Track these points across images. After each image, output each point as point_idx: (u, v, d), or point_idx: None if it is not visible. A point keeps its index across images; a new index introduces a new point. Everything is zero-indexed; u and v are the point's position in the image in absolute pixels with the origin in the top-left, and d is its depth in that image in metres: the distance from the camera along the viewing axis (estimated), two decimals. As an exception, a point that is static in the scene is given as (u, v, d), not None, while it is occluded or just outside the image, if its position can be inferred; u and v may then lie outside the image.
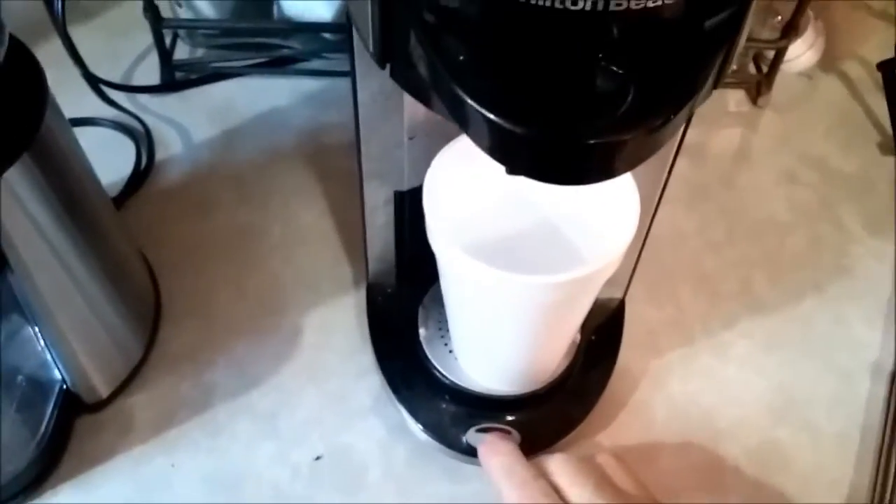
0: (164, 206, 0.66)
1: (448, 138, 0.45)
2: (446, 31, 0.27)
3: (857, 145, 0.72)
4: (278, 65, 0.75)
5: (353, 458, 0.54)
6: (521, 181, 0.44)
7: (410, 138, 0.46)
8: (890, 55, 0.72)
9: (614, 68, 0.26)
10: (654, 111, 0.26)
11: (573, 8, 0.24)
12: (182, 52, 0.76)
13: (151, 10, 0.68)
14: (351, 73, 0.43)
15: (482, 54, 0.27)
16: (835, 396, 0.58)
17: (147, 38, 0.73)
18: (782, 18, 0.69)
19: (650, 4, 0.24)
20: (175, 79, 0.73)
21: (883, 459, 0.54)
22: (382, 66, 0.32)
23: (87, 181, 0.50)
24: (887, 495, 0.53)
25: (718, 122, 0.74)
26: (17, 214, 0.43)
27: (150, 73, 0.74)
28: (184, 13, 0.73)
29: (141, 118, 0.70)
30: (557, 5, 0.24)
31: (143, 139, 0.69)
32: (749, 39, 0.72)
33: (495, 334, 0.48)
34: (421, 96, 0.32)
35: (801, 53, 0.74)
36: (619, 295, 0.58)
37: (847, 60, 0.78)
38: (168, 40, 0.73)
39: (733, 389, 0.58)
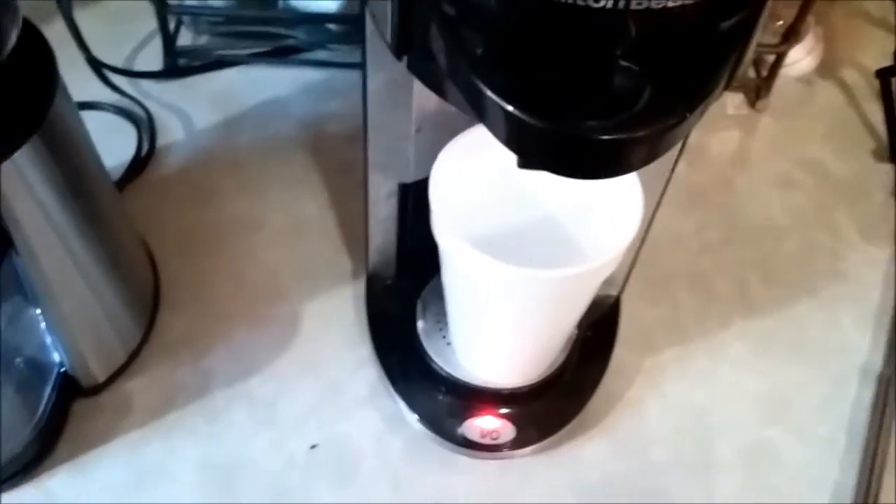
0: (165, 192, 0.66)
1: (454, 132, 0.46)
2: (466, 25, 0.28)
3: (853, 151, 0.73)
4: (281, 54, 0.75)
5: (348, 447, 0.54)
6: (527, 176, 0.44)
7: (417, 130, 0.46)
8: (888, 63, 0.73)
9: (632, 66, 0.26)
10: (669, 109, 0.26)
11: (595, 6, 0.24)
12: (185, 38, 0.76)
13: (157, -5, 0.68)
14: (362, 65, 0.43)
15: (502, 48, 0.27)
16: (824, 398, 0.59)
17: (150, 23, 0.73)
18: (784, 23, 0.70)
19: (670, 4, 0.25)
20: (178, 65, 0.74)
21: (869, 459, 0.55)
22: (399, 58, 0.33)
23: (93, 166, 0.50)
24: (872, 494, 0.53)
25: (717, 124, 0.74)
26: (25, 196, 0.43)
27: (153, 58, 0.74)
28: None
29: (143, 104, 0.70)
30: (580, 2, 0.24)
31: (145, 125, 0.69)
32: (750, 44, 0.73)
33: (494, 326, 0.49)
34: (437, 88, 0.32)
35: (801, 59, 0.74)
36: (615, 293, 0.59)
37: (845, 67, 0.79)
38: (172, 26, 0.73)
39: (726, 389, 0.59)
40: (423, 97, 0.44)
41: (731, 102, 0.76)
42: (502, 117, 0.27)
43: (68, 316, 0.50)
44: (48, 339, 0.51)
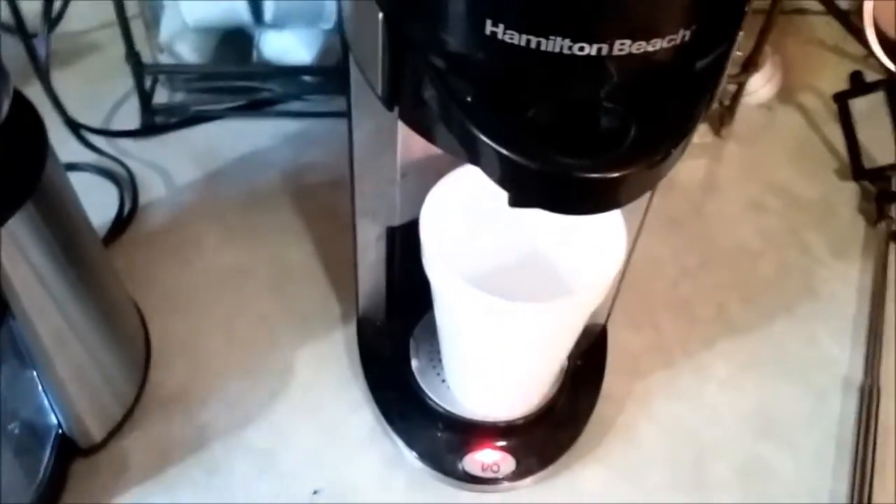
0: (150, 249, 0.67)
1: (438, 175, 0.47)
2: (457, 75, 0.29)
3: (818, 172, 0.76)
4: (258, 107, 0.77)
5: (351, 490, 0.55)
6: (514, 214, 0.46)
7: (403, 176, 0.47)
8: (843, 87, 0.77)
9: (617, 107, 0.28)
10: (654, 147, 0.28)
11: (580, 54, 0.26)
12: (161, 96, 0.77)
13: (133, 56, 0.70)
14: (347, 115, 0.45)
15: (493, 94, 0.29)
16: (810, 411, 0.60)
17: (124, 83, 0.74)
18: (742, 54, 0.73)
19: (649, 49, 0.26)
20: (156, 123, 0.75)
21: (858, 467, 0.57)
22: (391, 109, 0.34)
23: (83, 227, 0.51)
24: (865, 500, 0.55)
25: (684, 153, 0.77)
26: (20, 261, 0.44)
27: (129, 117, 0.75)
28: (164, 58, 0.74)
29: (123, 162, 0.71)
30: (566, 51, 0.26)
31: (127, 183, 0.70)
32: (712, 74, 0.76)
33: (488, 360, 0.50)
34: (427, 134, 0.34)
35: (761, 87, 0.77)
36: (601, 321, 0.60)
37: (803, 92, 0.82)
38: (148, 85, 0.74)
39: (715, 409, 0.60)
40: (407, 144, 0.45)
41: (696, 131, 0.79)
42: (496, 159, 0.29)
43: (65, 377, 0.50)
44: (45, 402, 0.51)
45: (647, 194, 0.48)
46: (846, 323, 0.66)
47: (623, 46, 0.26)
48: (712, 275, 0.68)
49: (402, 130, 0.44)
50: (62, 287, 0.47)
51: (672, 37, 0.27)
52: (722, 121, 0.78)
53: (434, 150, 0.47)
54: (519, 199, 0.32)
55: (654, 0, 0.26)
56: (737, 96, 0.75)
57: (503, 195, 0.35)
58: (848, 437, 0.59)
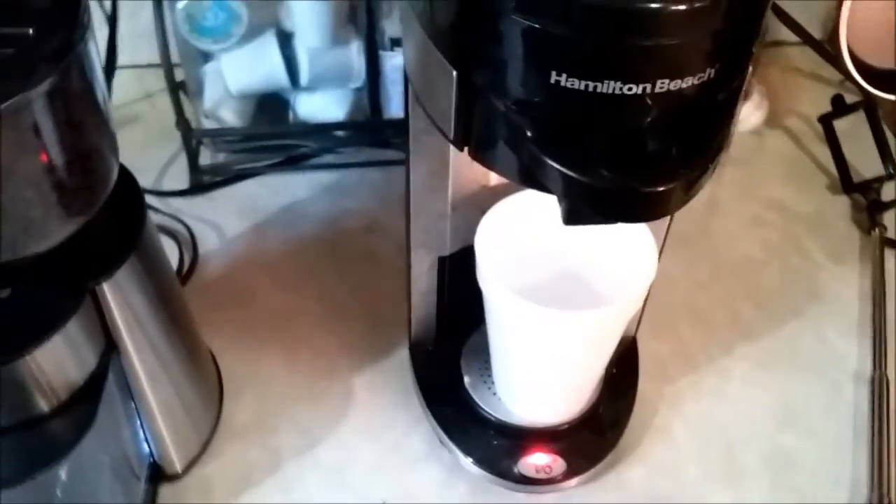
0: (210, 296, 0.72)
1: (482, 209, 0.54)
2: (520, 115, 0.36)
3: (810, 188, 0.83)
4: (295, 162, 0.83)
5: (416, 498, 0.60)
6: (555, 238, 0.53)
7: (453, 210, 0.54)
8: (826, 109, 0.84)
9: (661, 133, 0.34)
10: (693, 163, 0.34)
11: (629, 93, 0.33)
12: (204, 157, 0.83)
13: (184, 122, 0.76)
14: (405, 159, 0.51)
15: (553, 130, 0.35)
16: (827, 403, 0.66)
17: (167, 148, 0.81)
18: (732, 86, 0.81)
19: (683, 87, 0.33)
20: (203, 181, 0.81)
21: (876, 452, 0.62)
22: (461, 149, 0.41)
23: (171, 277, 0.57)
24: (885, 482, 0.61)
25: (689, 178, 0.84)
26: (124, 307, 0.50)
27: (177, 179, 0.82)
28: (207, 123, 0.81)
29: (181, 219, 0.77)
30: (617, 91, 0.33)
31: (185, 238, 0.76)
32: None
33: (536, 367, 0.56)
34: (494, 167, 0.40)
35: (750, 114, 0.85)
36: (632, 333, 0.67)
37: (789, 117, 0.90)
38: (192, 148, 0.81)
39: (739, 405, 0.66)
40: (457, 183, 0.52)
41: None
42: (561, 181, 0.35)
43: (156, 409, 0.56)
44: (141, 433, 0.57)
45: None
46: (851, 321, 0.72)
47: (663, 85, 0.33)
48: (723, 285, 0.75)
49: (453, 171, 0.51)
50: (157, 329, 0.53)
51: (701, 75, 0.34)
52: (719, 147, 0.85)
53: (479, 187, 0.54)
54: (573, 217, 0.39)
55: (686, 48, 0.33)
56: (731, 124, 0.83)
57: (548, 220, 0.41)
58: (863, 424, 0.65)
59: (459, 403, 0.62)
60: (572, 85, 0.33)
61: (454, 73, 0.37)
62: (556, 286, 0.55)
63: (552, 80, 0.33)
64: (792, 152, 0.87)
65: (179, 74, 0.77)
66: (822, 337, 0.71)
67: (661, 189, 0.34)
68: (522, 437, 0.60)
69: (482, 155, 0.40)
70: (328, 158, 0.84)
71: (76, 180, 0.42)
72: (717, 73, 0.34)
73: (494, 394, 0.61)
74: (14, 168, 0.38)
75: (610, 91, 0.33)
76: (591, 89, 0.33)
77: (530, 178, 0.37)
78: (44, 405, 0.47)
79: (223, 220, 0.79)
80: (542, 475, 0.59)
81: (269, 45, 0.75)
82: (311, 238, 0.78)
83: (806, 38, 0.84)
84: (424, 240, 0.57)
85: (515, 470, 0.59)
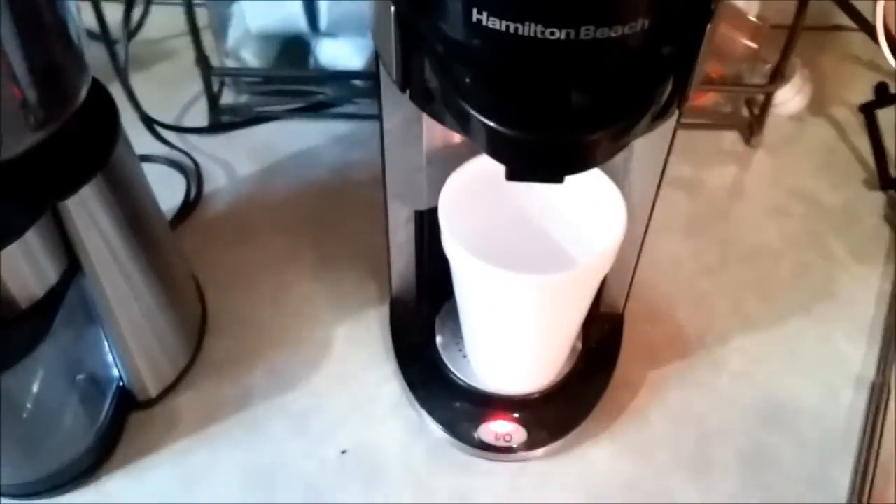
0: (211, 232, 0.73)
1: (462, 163, 0.53)
2: (453, 59, 0.34)
3: (845, 181, 0.78)
4: (313, 109, 0.83)
5: (376, 453, 0.60)
6: (523, 197, 0.51)
7: (429, 163, 0.53)
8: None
9: (585, 86, 0.32)
10: (616, 119, 0.32)
11: (551, 38, 0.31)
12: (228, 97, 0.84)
13: (202, 61, 0.77)
14: (377, 106, 0.50)
15: (482, 75, 0.34)
16: (819, 405, 0.63)
17: (195, 86, 0.82)
18: (771, 66, 0.76)
19: (612, 35, 0.31)
20: (222, 121, 0.82)
21: (863, 460, 0.59)
22: (403, 91, 0.39)
23: (148, 204, 0.58)
24: (866, 492, 0.57)
25: (713, 160, 0.80)
26: (90, 226, 0.50)
27: (199, 116, 0.83)
28: (230, 63, 0.81)
29: (191, 155, 0.78)
30: (539, 35, 0.31)
31: (193, 174, 0.77)
32: (739, 84, 0.80)
33: (501, 333, 0.54)
34: (436, 115, 0.39)
35: (791, 98, 0.80)
36: (618, 310, 0.64)
37: (835, 105, 0.85)
38: (216, 87, 0.82)
39: (725, 398, 0.63)
40: (431, 133, 0.51)
41: (727, 139, 0.82)
42: (484, 132, 0.34)
43: (126, 336, 0.57)
44: (109, 357, 0.58)
45: (655, 182, 0.52)
46: (863, 325, 0.68)
47: (588, 32, 0.31)
48: (732, 273, 0.71)
49: (427, 121, 0.49)
50: (126, 253, 0.54)
51: (633, 24, 0.31)
52: (751, 130, 0.81)
53: (457, 139, 0.52)
54: (511, 173, 0.37)
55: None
56: (765, 106, 0.78)
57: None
58: (855, 432, 0.61)
59: (429, 363, 0.61)
60: (494, 25, 0.31)
61: (392, 9, 0.36)
62: (526, 250, 0.54)
63: (474, 19, 0.32)
64: (832, 141, 0.82)
65: (205, 14, 0.77)
66: (827, 338, 0.67)
67: (573, 140, 0.32)
68: (486, 403, 0.59)
69: (421, 101, 0.39)
70: (346, 108, 0.83)
71: (33, 92, 0.43)
72: (654, 23, 0.32)
73: (465, 356, 0.60)
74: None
75: (532, 34, 0.31)
76: (512, 30, 0.31)
77: (460, 126, 0.35)
78: (-1, 312, 0.48)
79: (235, 161, 0.80)
80: (501, 443, 0.58)
81: (291, -13, 0.75)
82: (318, 186, 0.78)
83: (860, 22, 0.78)
84: (400, 192, 0.56)
85: (475, 435, 0.58)
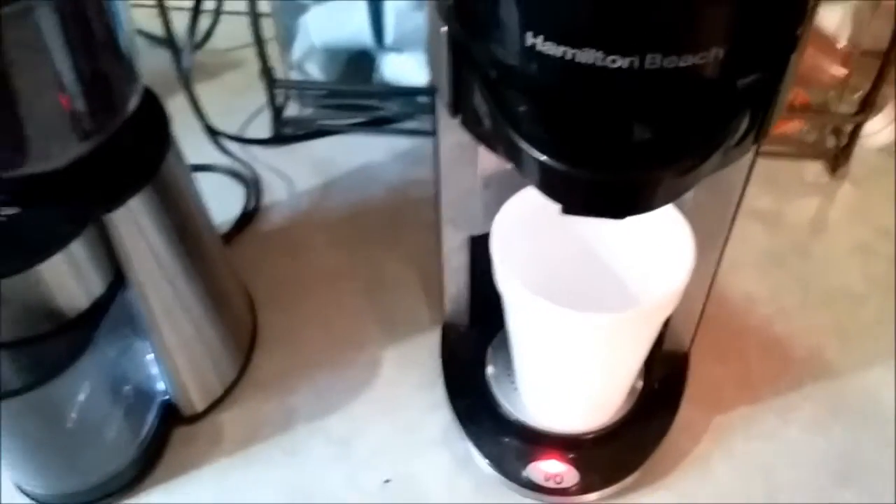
0: (267, 245, 0.73)
1: (518, 188, 0.50)
2: (506, 85, 0.32)
3: (937, 221, 0.73)
4: (376, 124, 0.82)
5: (420, 484, 0.57)
6: (583, 227, 0.48)
7: (485, 187, 0.50)
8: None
9: (649, 119, 0.29)
10: (681, 156, 0.29)
11: (612, 66, 0.28)
12: (292, 110, 0.83)
13: (267, 73, 0.76)
14: (434, 128, 0.48)
15: (536, 105, 0.31)
16: (899, 465, 0.58)
17: (260, 97, 0.81)
18: (861, 94, 0.71)
19: (681, 65, 0.28)
20: (284, 133, 0.81)
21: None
22: (454, 116, 0.37)
23: (199, 216, 0.57)
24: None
25: (796, 191, 0.76)
26: (137, 238, 0.50)
27: (262, 127, 0.82)
28: (295, 75, 0.80)
29: (252, 167, 0.78)
30: (598, 63, 0.28)
31: (253, 185, 0.77)
32: (826, 112, 0.75)
33: (557, 370, 0.51)
34: (487, 142, 0.37)
35: (881, 129, 0.75)
36: (683, 348, 0.60)
37: (932, 138, 0.79)
38: (280, 100, 0.81)
39: (796, 451, 0.58)
40: (486, 157, 0.48)
41: (810, 170, 0.77)
42: (535, 166, 0.31)
43: (172, 349, 0.56)
44: (155, 370, 0.57)
45: (728, 217, 0.48)
46: (952, 380, 0.62)
47: (654, 61, 0.28)
48: (810, 316, 0.66)
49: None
50: (174, 266, 0.53)
51: (704, 53, 0.28)
52: (837, 161, 0.76)
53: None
54: (566, 207, 0.34)
55: (685, 16, 0.28)
56: (853, 136, 0.73)
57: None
58: (939, 497, 0.56)
59: (479, 394, 0.58)
60: (549, 50, 0.29)
61: (443, 29, 0.33)
62: (586, 284, 0.51)
63: (528, 43, 0.29)
64: (924, 178, 0.76)
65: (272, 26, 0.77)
66: (912, 391, 0.62)
67: (632, 177, 0.29)
68: (536, 441, 0.56)
69: (473, 127, 0.36)
70: (409, 124, 0.82)
71: (80, 101, 0.42)
72: (730, 53, 0.29)
73: (516, 389, 0.57)
74: (13, 77, 0.39)
75: (591, 62, 0.28)
76: (569, 57, 0.29)
77: (510, 156, 0.33)
78: (43, 324, 0.47)
79: (295, 174, 0.79)
80: (551, 484, 0.55)
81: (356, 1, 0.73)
82: (376, 202, 0.76)
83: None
84: (454, 216, 0.53)
85: (524, 473, 0.55)
